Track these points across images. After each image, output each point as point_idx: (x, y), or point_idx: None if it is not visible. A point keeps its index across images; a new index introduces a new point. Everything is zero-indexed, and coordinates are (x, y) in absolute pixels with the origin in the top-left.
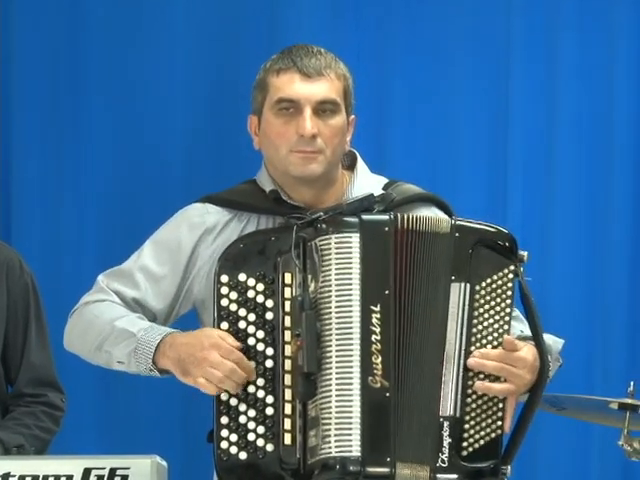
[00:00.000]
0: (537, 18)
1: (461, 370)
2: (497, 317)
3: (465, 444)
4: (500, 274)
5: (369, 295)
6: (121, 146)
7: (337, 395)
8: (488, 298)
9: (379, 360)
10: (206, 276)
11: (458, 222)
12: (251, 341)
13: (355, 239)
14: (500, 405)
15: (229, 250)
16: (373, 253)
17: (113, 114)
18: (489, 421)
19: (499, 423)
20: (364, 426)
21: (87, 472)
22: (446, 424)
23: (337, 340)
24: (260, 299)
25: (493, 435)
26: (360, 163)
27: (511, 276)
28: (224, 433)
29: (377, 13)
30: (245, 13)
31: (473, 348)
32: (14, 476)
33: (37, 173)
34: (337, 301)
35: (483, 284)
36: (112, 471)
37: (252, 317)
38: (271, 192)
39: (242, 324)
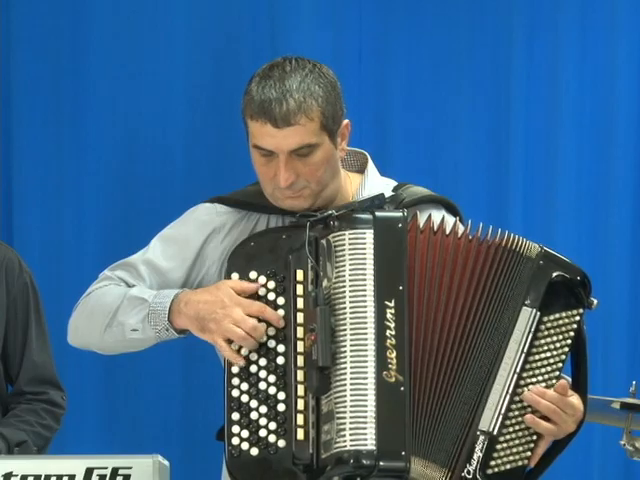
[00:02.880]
0: (539, 17)
1: (509, 392)
2: (555, 353)
3: (493, 463)
4: (569, 313)
5: (383, 290)
6: (121, 146)
7: (352, 389)
8: (552, 332)
9: (394, 355)
10: (217, 275)
11: (545, 250)
12: (262, 337)
13: (369, 235)
14: (534, 437)
15: (240, 248)
16: (387, 249)
17: (113, 114)
18: (520, 449)
19: (528, 454)
20: (379, 420)
21: (89, 472)
22: (482, 438)
23: (351, 335)
24: (271, 297)
25: (520, 463)
26: (370, 165)
27: (577, 318)
28: (235, 429)
29: (378, 12)
30: (245, 12)
31: (525, 375)
32: (16, 476)
33: (38, 173)
34: (351, 296)
35: (551, 317)
36: (114, 471)
37: None
38: None
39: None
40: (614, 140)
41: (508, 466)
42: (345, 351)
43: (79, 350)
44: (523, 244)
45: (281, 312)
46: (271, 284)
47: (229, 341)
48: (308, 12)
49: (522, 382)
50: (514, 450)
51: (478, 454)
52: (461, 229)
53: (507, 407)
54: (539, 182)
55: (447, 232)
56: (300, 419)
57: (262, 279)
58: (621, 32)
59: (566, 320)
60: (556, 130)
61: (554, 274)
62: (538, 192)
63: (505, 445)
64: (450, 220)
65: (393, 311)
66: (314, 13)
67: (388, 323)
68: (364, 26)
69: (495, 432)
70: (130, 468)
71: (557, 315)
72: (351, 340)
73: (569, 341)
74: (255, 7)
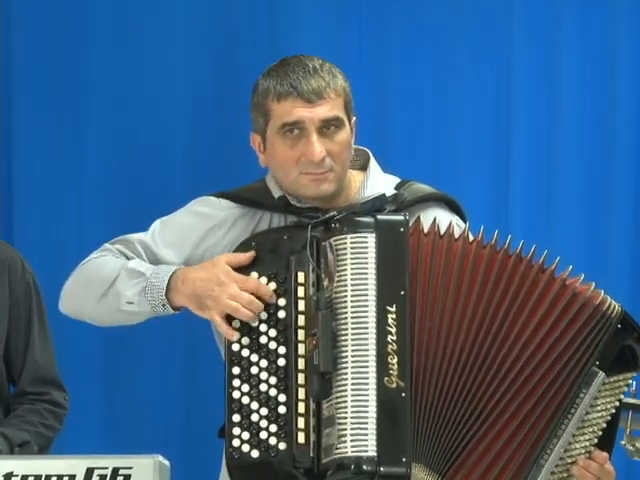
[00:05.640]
0: (539, 16)
1: (563, 449)
2: (604, 413)
3: None
4: (626, 376)
5: (385, 295)
6: (122, 146)
7: (353, 395)
8: (608, 393)
9: (395, 360)
10: None
11: (625, 313)
12: (263, 339)
13: (371, 239)
14: None
15: (241, 248)
16: (388, 253)
17: (114, 113)
18: None
19: None
20: (380, 426)
21: (90, 472)
22: None
23: (353, 340)
24: (272, 298)
25: None
26: (373, 163)
27: (629, 382)
28: (236, 431)
29: (379, 11)
30: (245, 12)
31: (577, 432)
32: (17, 476)
33: (38, 173)
34: (352, 301)
35: (611, 379)
36: (115, 471)
37: (264, 315)
38: (280, 199)
39: (254, 322)
40: (615, 139)
41: None
42: (346, 356)
43: (80, 349)
44: (607, 303)
45: (282, 314)
46: (272, 285)
47: (228, 318)
48: (308, 11)
49: (572, 439)
50: None
51: None
52: (471, 235)
53: (555, 463)
54: (539, 182)
55: (456, 236)
56: (301, 422)
57: (263, 280)
58: (621, 31)
59: (621, 383)
60: (556, 130)
61: (627, 340)
62: (538, 192)
63: None
64: (459, 226)
65: (394, 316)
66: (314, 12)
67: (389, 328)
68: (364, 25)
69: None
70: (131, 468)
71: (615, 377)
72: (352, 345)
73: (617, 403)
74: (255, 7)
